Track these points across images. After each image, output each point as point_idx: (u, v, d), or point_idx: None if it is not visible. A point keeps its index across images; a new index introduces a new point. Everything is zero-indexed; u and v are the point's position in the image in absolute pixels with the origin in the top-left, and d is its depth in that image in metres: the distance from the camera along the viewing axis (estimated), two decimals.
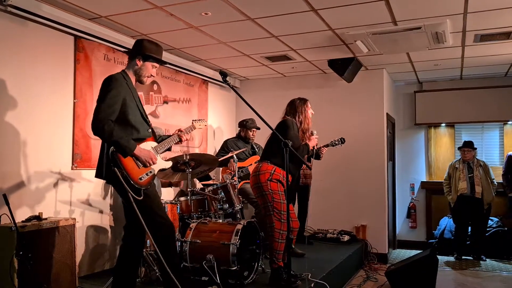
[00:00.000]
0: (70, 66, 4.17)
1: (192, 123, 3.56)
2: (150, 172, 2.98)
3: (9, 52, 3.61)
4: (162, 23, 4.32)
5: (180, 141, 3.29)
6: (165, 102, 5.46)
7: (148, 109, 5.14)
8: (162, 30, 4.55)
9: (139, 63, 3.01)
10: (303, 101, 4.06)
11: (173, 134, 3.29)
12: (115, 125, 2.79)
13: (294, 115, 3.97)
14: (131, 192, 2.80)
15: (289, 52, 5.45)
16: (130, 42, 4.69)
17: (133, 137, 2.90)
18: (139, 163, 2.90)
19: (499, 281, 5.23)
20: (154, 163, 2.97)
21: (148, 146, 3.00)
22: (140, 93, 5.03)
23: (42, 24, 3.83)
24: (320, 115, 6.50)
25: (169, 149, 3.31)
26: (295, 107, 4.01)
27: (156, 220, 2.97)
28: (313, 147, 4.03)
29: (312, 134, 4.01)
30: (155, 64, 3.08)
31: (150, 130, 3.08)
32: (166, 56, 5.28)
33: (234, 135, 5.89)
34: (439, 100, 7.13)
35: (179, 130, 3.32)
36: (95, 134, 2.78)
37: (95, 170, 2.95)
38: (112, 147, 2.77)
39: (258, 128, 5.52)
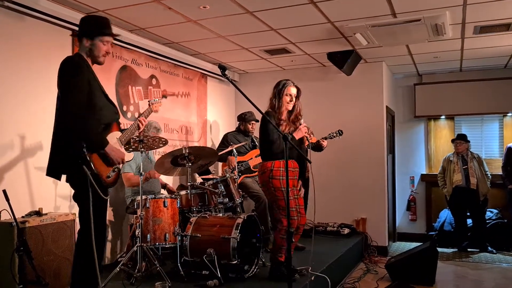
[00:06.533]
0: None
1: (149, 105, 3.42)
2: (117, 168, 2.86)
3: (6, 47, 3.58)
4: (160, 17, 4.29)
5: (139, 128, 3.17)
6: (164, 96, 5.44)
7: (147, 103, 5.10)
8: (161, 24, 4.52)
9: (87, 43, 2.80)
10: (280, 84, 3.86)
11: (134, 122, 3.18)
12: (85, 115, 2.62)
13: (273, 99, 3.85)
14: (100, 192, 2.65)
15: (288, 45, 5.43)
16: (128, 37, 4.68)
17: (103, 122, 2.77)
18: (107, 160, 2.76)
19: (499, 272, 5.26)
20: (123, 163, 2.87)
21: (113, 136, 2.87)
22: (139, 88, 5.02)
23: (39, 18, 3.80)
24: (320, 108, 6.52)
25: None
26: (273, 91, 3.88)
27: (103, 223, 2.87)
28: (306, 138, 3.90)
29: (299, 123, 3.82)
30: (106, 39, 2.84)
31: (116, 112, 2.94)
32: (164, 49, 5.28)
33: (234, 129, 5.88)
34: (438, 93, 7.12)
35: (139, 115, 3.22)
36: (68, 127, 2.61)
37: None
38: (82, 141, 2.59)
39: (257, 121, 5.50)
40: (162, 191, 4.78)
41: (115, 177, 2.88)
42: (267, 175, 3.70)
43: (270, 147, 3.70)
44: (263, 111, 3.21)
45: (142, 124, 3.17)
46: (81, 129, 2.60)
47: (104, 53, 2.87)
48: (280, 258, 3.72)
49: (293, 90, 3.83)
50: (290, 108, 3.82)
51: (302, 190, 3.99)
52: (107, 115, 2.83)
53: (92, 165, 2.64)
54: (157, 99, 3.53)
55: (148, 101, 3.48)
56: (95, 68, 2.91)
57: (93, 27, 2.86)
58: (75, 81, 2.65)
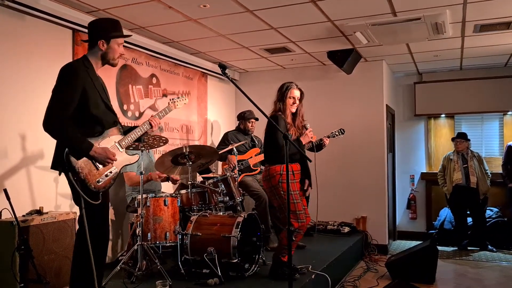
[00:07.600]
0: (68, 60, 4.09)
1: (169, 103, 3.33)
2: (110, 172, 2.78)
3: (6, 47, 3.59)
4: (160, 15, 4.29)
5: (151, 127, 3.05)
6: (164, 95, 5.44)
7: (147, 102, 5.13)
8: (161, 23, 4.52)
9: (104, 47, 2.79)
10: (284, 86, 3.85)
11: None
12: (71, 121, 2.60)
13: (277, 102, 3.85)
14: (86, 198, 2.62)
15: (288, 44, 5.43)
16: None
17: (96, 131, 2.72)
18: (97, 164, 2.70)
19: (499, 271, 5.26)
20: (113, 161, 2.75)
21: (111, 141, 2.81)
22: (139, 87, 5.02)
23: (39, 18, 3.80)
24: (320, 107, 6.52)
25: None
26: (277, 94, 3.87)
27: (103, 225, 2.84)
28: (311, 141, 3.92)
29: (305, 127, 3.84)
30: (120, 41, 2.86)
31: (115, 121, 2.87)
32: (164, 48, 5.28)
33: (234, 128, 5.88)
34: (438, 91, 7.12)
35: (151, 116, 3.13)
36: (45, 130, 2.59)
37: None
38: (67, 148, 2.58)
39: (257, 119, 5.52)
40: (164, 185, 4.79)
41: (109, 181, 2.79)
42: (277, 179, 3.69)
43: (278, 151, 3.66)
44: (265, 111, 3.20)
45: (154, 125, 3.07)
46: (60, 134, 2.59)
47: (119, 55, 2.87)
48: (283, 258, 3.72)
49: (297, 93, 3.84)
50: (293, 110, 3.84)
51: (310, 189, 3.99)
52: (105, 125, 2.78)
53: (78, 171, 2.62)
54: (182, 98, 3.41)
55: (171, 99, 3.36)
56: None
57: (109, 30, 2.83)
58: (64, 86, 2.64)
